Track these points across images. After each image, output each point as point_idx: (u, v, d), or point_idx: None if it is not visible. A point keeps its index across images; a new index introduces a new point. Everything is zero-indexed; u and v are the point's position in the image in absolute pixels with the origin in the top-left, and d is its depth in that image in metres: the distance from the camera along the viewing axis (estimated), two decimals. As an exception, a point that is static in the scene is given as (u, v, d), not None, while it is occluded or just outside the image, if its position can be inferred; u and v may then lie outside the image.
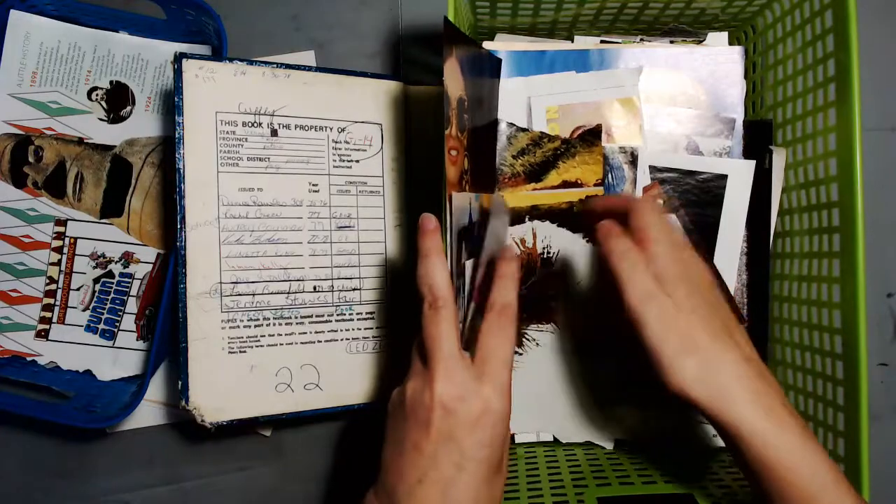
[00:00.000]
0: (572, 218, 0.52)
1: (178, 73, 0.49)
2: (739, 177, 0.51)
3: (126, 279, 0.58)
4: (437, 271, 0.39)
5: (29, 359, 0.57)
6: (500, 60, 0.53)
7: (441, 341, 0.38)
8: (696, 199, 0.52)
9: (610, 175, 0.52)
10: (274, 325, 0.52)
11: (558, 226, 0.52)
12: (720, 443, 0.53)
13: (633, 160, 0.52)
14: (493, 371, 0.38)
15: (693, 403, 0.38)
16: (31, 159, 0.57)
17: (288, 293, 0.52)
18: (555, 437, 0.54)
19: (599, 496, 0.44)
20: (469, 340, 0.41)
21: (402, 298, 0.56)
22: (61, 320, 0.58)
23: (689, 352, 0.38)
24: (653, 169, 0.52)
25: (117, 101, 0.59)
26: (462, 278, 0.43)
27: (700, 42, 0.55)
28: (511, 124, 0.52)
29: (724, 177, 0.51)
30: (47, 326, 0.58)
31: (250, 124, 0.51)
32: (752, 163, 0.51)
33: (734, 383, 0.38)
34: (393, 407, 0.39)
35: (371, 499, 0.38)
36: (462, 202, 0.43)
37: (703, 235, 0.52)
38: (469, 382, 0.37)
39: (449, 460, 0.36)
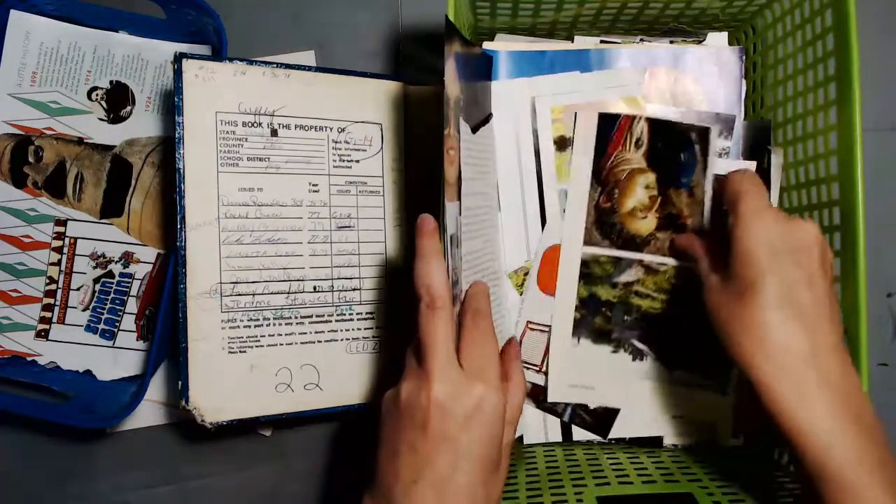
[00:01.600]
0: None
1: (177, 73, 0.49)
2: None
3: (126, 279, 0.58)
4: (434, 272, 0.39)
5: (29, 359, 0.57)
6: (491, 59, 0.53)
7: (437, 342, 0.38)
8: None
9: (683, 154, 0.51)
10: (274, 325, 0.52)
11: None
12: (720, 442, 0.53)
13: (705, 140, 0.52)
14: (482, 368, 0.38)
15: (747, 367, 0.38)
16: (31, 159, 0.57)
17: (288, 293, 0.52)
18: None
19: (599, 495, 0.44)
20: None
21: (402, 298, 0.56)
22: (61, 320, 0.58)
23: (785, 304, 0.38)
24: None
25: (117, 101, 0.59)
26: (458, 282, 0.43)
27: (700, 42, 0.55)
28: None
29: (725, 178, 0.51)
30: (47, 326, 0.58)
31: (250, 124, 0.51)
32: (753, 164, 0.51)
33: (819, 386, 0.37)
34: (387, 408, 0.39)
35: (367, 502, 0.38)
36: (453, 212, 0.43)
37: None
38: (462, 382, 0.37)
39: (445, 460, 0.36)
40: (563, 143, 0.53)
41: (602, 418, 0.53)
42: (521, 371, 0.42)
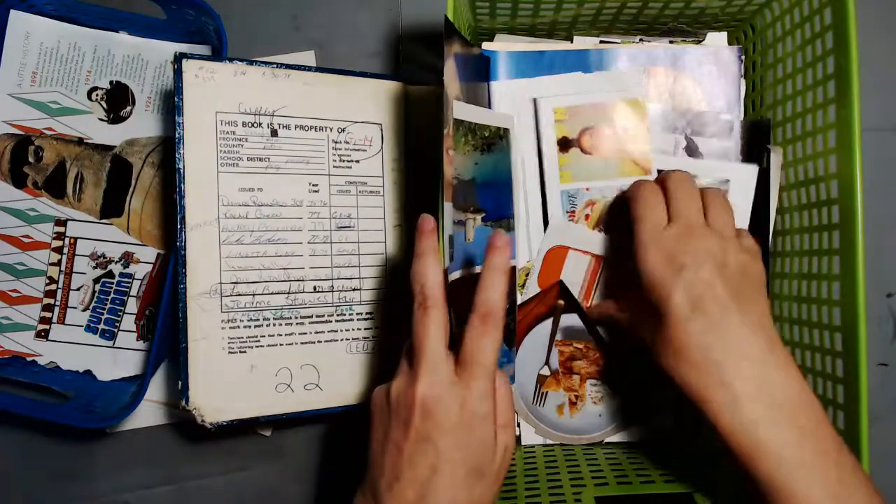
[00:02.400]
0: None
1: (177, 73, 0.49)
2: (742, 181, 0.51)
3: (126, 279, 0.58)
4: (430, 271, 0.39)
5: (29, 359, 0.57)
6: (489, 60, 0.53)
7: (428, 341, 0.38)
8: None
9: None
10: (274, 325, 0.52)
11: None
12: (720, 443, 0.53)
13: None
14: (475, 374, 0.38)
15: (679, 381, 0.39)
16: (31, 159, 0.57)
17: (288, 293, 0.52)
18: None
19: (597, 496, 0.44)
20: (457, 341, 0.41)
21: (402, 298, 0.56)
22: (61, 320, 0.58)
23: (695, 312, 0.39)
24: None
25: (117, 101, 0.59)
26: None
27: (699, 42, 0.55)
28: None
29: (727, 181, 0.51)
30: (47, 326, 0.58)
31: (250, 124, 0.51)
32: (756, 167, 0.51)
33: (735, 362, 0.38)
34: (377, 404, 0.40)
35: (359, 496, 0.39)
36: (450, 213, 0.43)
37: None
38: (450, 384, 0.37)
39: (425, 461, 0.36)
40: (565, 144, 0.53)
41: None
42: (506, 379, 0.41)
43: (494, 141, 0.49)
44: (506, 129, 0.51)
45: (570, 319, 0.52)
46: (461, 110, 0.45)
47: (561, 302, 0.51)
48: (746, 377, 0.38)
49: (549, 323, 0.52)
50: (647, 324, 0.42)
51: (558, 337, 0.52)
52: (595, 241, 0.51)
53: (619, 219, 0.50)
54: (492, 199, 0.49)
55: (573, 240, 0.52)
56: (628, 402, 0.53)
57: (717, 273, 0.40)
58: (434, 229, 0.41)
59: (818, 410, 0.38)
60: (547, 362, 0.52)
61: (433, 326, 0.38)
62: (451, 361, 0.38)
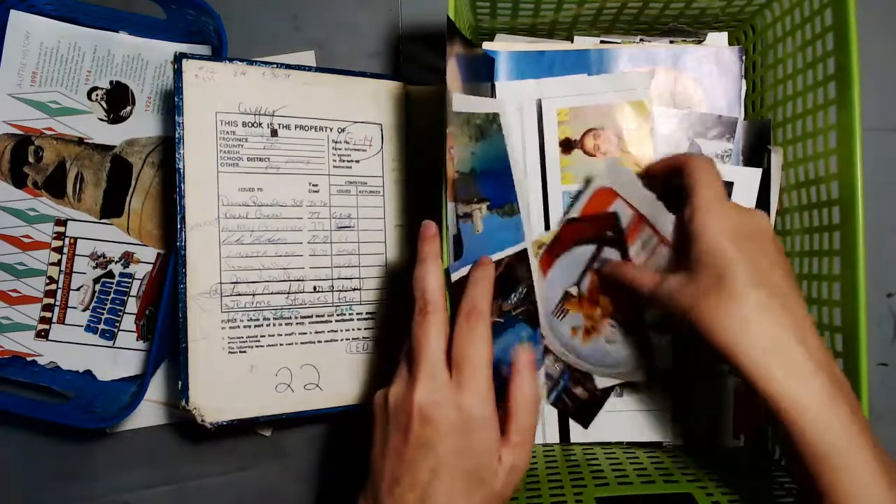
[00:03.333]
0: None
1: (178, 73, 0.49)
2: (745, 184, 0.51)
3: (126, 279, 0.58)
4: (430, 277, 0.39)
5: (29, 359, 0.57)
6: (493, 60, 0.53)
7: (427, 347, 0.38)
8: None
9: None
10: (274, 325, 0.52)
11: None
12: (720, 442, 0.53)
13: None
14: (469, 375, 0.37)
15: (734, 355, 0.38)
16: (31, 159, 0.57)
17: (288, 293, 0.52)
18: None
19: (598, 496, 0.44)
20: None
21: (402, 298, 0.56)
22: (61, 320, 0.58)
23: (761, 287, 0.38)
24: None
25: (117, 101, 0.59)
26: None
27: (700, 42, 0.55)
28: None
29: (730, 184, 0.51)
30: (47, 326, 0.58)
31: (250, 124, 0.51)
32: (759, 171, 0.50)
33: (796, 337, 0.37)
34: (377, 409, 0.40)
35: (360, 501, 0.39)
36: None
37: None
38: (447, 389, 0.37)
39: (425, 466, 0.36)
40: (568, 145, 0.52)
41: (585, 407, 0.53)
42: (528, 385, 0.39)
43: (486, 127, 0.49)
44: (495, 114, 0.51)
45: (612, 254, 0.50)
46: (459, 102, 0.45)
47: (610, 234, 0.50)
48: (805, 353, 0.37)
49: (591, 248, 0.50)
50: (691, 293, 0.40)
51: (595, 265, 0.51)
52: (644, 199, 0.49)
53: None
54: (493, 186, 0.49)
55: (624, 188, 0.50)
56: (638, 350, 0.52)
57: (778, 253, 0.40)
58: (436, 235, 0.41)
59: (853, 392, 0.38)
60: (577, 283, 0.51)
61: (433, 331, 0.38)
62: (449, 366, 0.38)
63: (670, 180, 0.46)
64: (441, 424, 0.36)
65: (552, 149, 0.52)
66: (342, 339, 0.54)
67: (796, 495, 0.45)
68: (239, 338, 0.50)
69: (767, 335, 0.37)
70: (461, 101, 0.45)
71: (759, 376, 0.37)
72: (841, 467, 0.35)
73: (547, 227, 0.52)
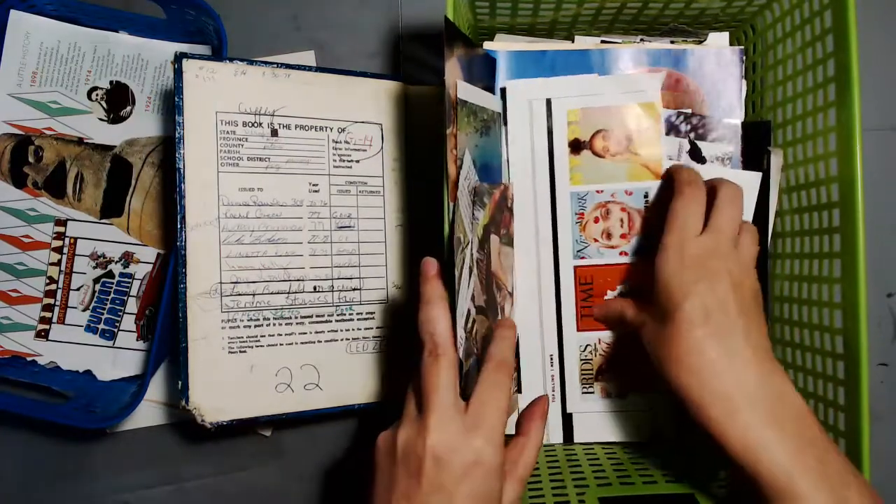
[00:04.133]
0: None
1: (178, 73, 0.49)
2: (745, 189, 0.50)
3: (126, 279, 0.58)
4: (438, 319, 0.39)
5: (29, 359, 0.57)
6: (494, 60, 0.52)
7: (439, 390, 0.37)
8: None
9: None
10: (274, 325, 0.52)
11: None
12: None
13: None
14: (487, 423, 0.37)
15: (678, 386, 0.39)
16: (31, 159, 0.57)
17: (288, 293, 0.52)
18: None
19: (601, 496, 0.44)
20: (465, 390, 0.40)
21: (402, 298, 0.56)
22: (61, 320, 0.58)
23: (704, 323, 0.40)
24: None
25: (117, 101, 0.59)
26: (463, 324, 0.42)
27: (700, 42, 0.55)
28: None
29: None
30: (47, 326, 0.58)
31: (250, 124, 0.51)
32: (759, 175, 0.50)
33: (735, 373, 0.39)
34: (383, 452, 0.39)
35: None
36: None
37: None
38: (462, 434, 0.37)
39: None
40: (577, 146, 0.52)
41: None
42: (541, 430, 0.42)
43: (490, 124, 0.49)
44: (499, 113, 0.51)
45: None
46: (464, 91, 0.45)
47: None
48: (746, 388, 0.38)
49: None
50: (651, 327, 0.43)
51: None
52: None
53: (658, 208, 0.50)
54: (488, 180, 0.49)
55: None
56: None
57: (731, 291, 0.41)
58: (437, 274, 0.40)
59: (816, 423, 0.39)
60: None
61: (444, 374, 0.38)
62: (461, 409, 0.38)
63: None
64: (456, 469, 0.36)
65: (561, 149, 0.52)
66: (342, 339, 0.54)
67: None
68: (239, 338, 0.50)
69: (704, 370, 0.39)
70: (465, 90, 0.45)
71: (697, 411, 0.39)
72: (783, 495, 0.36)
73: (554, 227, 0.52)
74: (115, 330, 0.58)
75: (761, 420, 0.37)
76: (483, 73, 0.52)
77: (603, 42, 0.55)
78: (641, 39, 0.55)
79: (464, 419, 0.37)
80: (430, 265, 0.41)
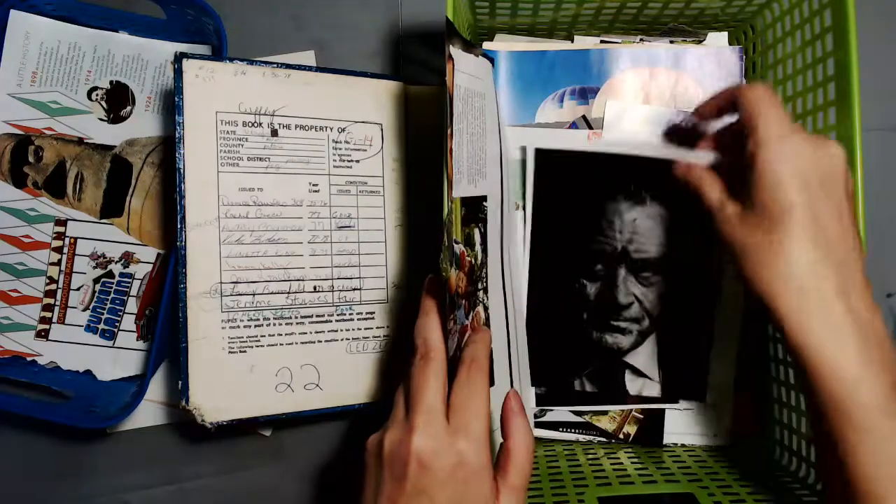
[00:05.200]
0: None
1: (178, 73, 0.49)
2: None
3: (126, 279, 0.58)
4: (432, 329, 0.39)
5: (29, 359, 0.57)
6: (493, 60, 0.52)
7: (425, 392, 0.37)
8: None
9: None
10: (274, 325, 0.52)
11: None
12: (721, 441, 0.53)
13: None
14: (467, 424, 0.37)
15: (773, 307, 0.37)
16: (31, 159, 0.57)
17: (288, 293, 0.52)
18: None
19: (600, 496, 0.44)
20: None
21: (402, 298, 0.56)
22: (61, 320, 0.58)
23: (813, 238, 0.37)
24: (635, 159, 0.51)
25: (117, 101, 0.59)
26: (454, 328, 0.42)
27: (700, 42, 0.55)
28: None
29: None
30: (47, 326, 0.58)
31: (250, 124, 0.51)
32: None
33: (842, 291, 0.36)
34: (370, 455, 0.39)
35: None
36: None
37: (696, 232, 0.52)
38: (444, 436, 0.36)
39: None
40: None
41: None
42: (524, 428, 0.39)
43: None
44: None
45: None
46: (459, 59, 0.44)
47: None
48: (847, 312, 0.36)
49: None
50: (743, 228, 0.39)
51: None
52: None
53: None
54: None
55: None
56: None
57: (845, 200, 0.38)
58: (435, 288, 0.41)
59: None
60: None
61: (432, 377, 0.38)
62: (446, 413, 0.38)
63: (722, 117, 0.45)
64: (439, 473, 0.35)
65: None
66: (342, 339, 0.54)
67: (797, 495, 0.45)
68: (239, 338, 0.50)
69: (811, 292, 0.36)
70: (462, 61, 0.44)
71: (793, 326, 0.36)
72: (867, 429, 0.34)
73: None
74: (115, 330, 0.58)
75: (860, 349, 0.35)
76: (481, 72, 0.52)
77: (602, 42, 0.55)
78: (641, 39, 0.55)
79: (447, 421, 0.37)
80: (432, 282, 0.41)
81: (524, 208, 0.53)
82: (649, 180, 0.52)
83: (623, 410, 0.53)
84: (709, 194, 0.43)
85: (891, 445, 0.34)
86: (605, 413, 0.53)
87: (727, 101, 0.44)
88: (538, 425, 0.54)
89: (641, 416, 0.53)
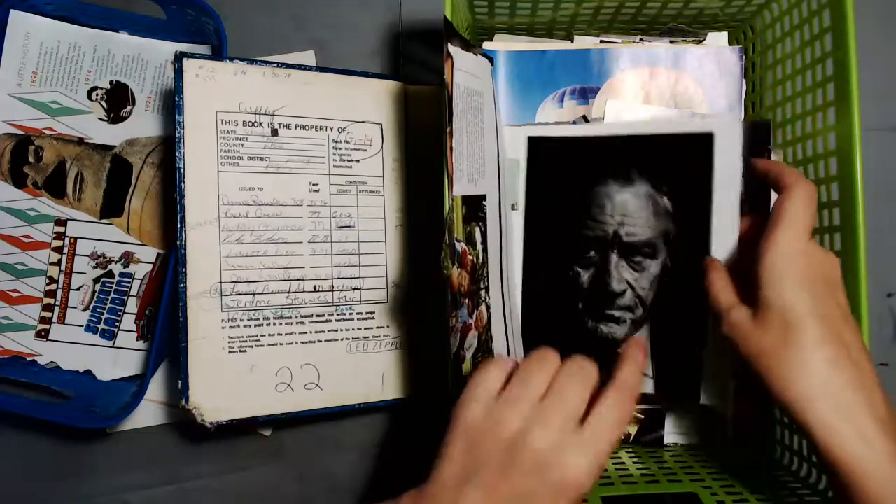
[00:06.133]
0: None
1: (178, 73, 0.49)
2: (728, 137, 0.49)
3: (126, 279, 0.58)
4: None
5: (29, 359, 0.57)
6: (492, 60, 0.52)
7: (574, 398, 0.36)
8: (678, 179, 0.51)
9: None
10: (274, 324, 0.51)
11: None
12: (723, 442, 0.53)
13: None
14: (596, 444, 0.35)
15: (800, 412, 0.37)
16: (31, 159, 0.57)
17: (288, 293, 0.52)
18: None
19: (603, 495, 0.44)
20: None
21: (402, 298, 0.56)
22: (61, 320, 0.58)
23: (832, 342, 0.37)
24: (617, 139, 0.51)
25: (117, 101, 0.59)
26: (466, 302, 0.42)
27: (700, 42, 0.55)
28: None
29: (710, 137, 0.49)
30: (47, 326, 0.58)
31: (251, 124, 0.51)
32: (740, 120, 0.49)
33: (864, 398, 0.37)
34: (475, 425, 0.36)
35: (407, 500, 0.35)
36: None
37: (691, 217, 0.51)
38: (575, 445, 0.34)
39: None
40: None
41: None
42: (637, 369, 0.38)
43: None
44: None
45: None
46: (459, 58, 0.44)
47: None
48: (873, 413, 0.36)
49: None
50: (758, 336, 0.39)
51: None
52: None
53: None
54: None
55: None
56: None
57: (846, 304, 0.40)
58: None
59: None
60: None
61: (584, 385, 0.36)
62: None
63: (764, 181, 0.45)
64: (552, 480, 0.33)
65: None
66: (342, 339, 0.54)
67: (799, 494, 0.45)
68: (239, 337, 0.50)
69: (836, 394, 0.37)
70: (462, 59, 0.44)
71: (824, 436, 0.36)
72: None
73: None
74: (115, 330, 0.58)
75: (889, 448, 0.36)
76: (481, 72, 0.52)
77: (602, 42, 0.55)
78: (641, 39, 0.55)
79: (580, 432, 0.35)
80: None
81: (519, 206, 0.53)
82: (639, 159, 0.51)
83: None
84: (720, 295, 0.43)
85: None
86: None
87: (772, 177, 0.44)
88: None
89: (642, 416, 0.53)
